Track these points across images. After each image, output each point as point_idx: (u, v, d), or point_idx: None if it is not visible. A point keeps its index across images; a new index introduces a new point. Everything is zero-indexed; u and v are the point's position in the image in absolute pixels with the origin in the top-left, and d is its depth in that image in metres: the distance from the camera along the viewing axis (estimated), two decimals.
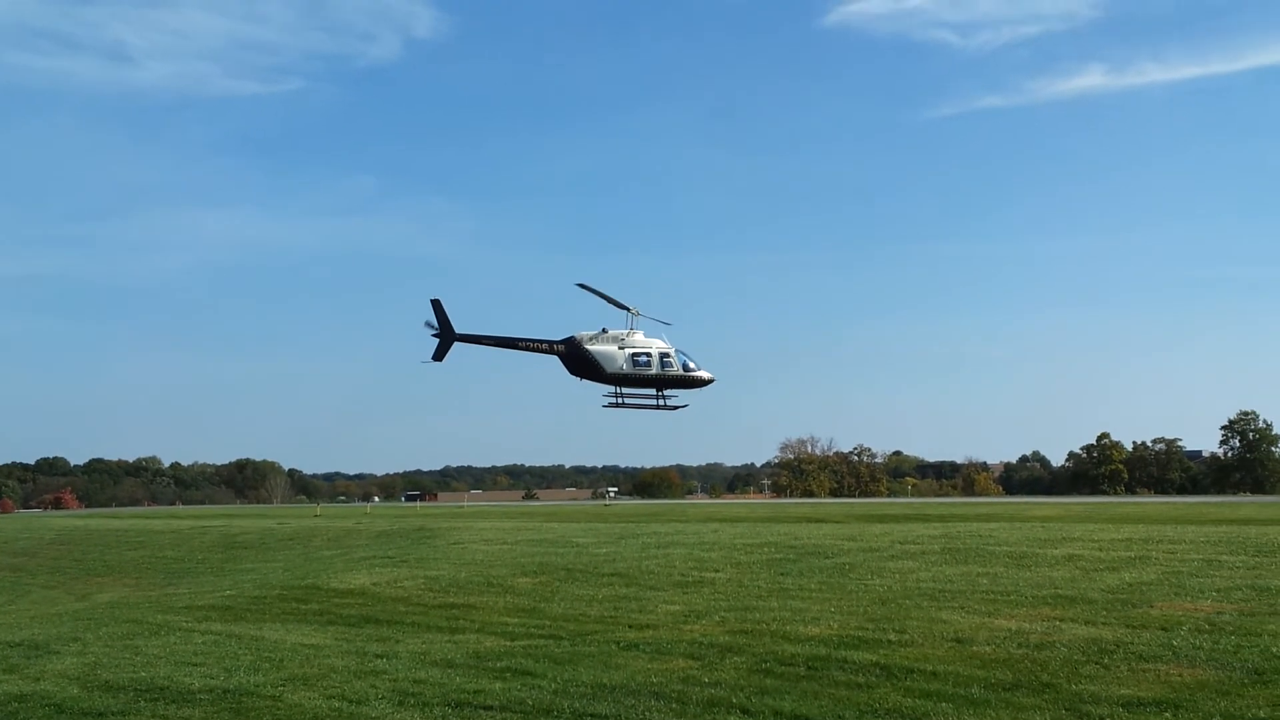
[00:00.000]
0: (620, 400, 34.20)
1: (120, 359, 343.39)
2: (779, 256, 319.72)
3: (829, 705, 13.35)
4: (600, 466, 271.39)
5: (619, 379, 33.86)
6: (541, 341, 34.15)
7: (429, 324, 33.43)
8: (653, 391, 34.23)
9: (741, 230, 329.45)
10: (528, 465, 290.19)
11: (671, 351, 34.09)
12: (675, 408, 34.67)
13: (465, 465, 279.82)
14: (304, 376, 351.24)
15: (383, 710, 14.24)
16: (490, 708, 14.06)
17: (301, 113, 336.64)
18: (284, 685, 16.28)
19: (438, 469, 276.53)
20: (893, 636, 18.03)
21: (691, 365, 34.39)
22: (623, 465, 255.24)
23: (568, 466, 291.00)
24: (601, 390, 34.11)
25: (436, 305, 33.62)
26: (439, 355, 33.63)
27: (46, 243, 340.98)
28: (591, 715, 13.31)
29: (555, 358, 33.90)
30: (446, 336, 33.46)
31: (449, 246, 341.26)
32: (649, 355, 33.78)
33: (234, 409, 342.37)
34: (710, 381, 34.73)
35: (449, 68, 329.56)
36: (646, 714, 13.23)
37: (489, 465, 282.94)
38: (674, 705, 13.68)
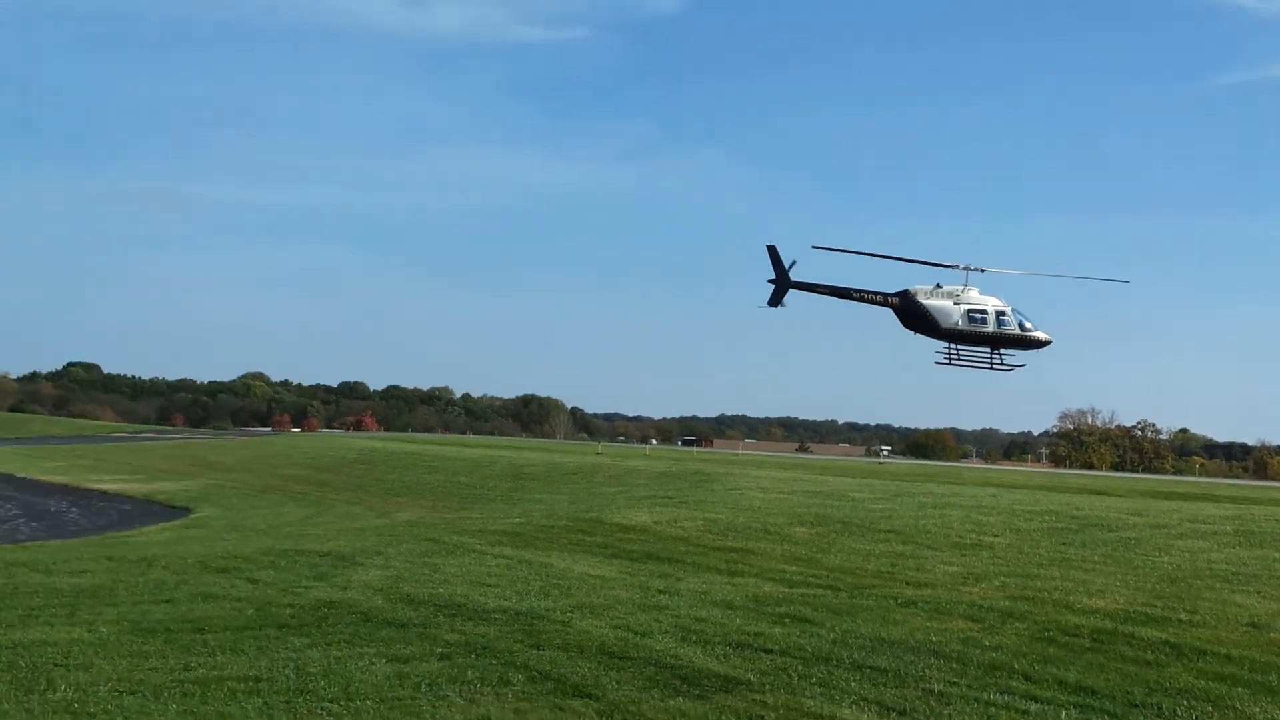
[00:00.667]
0: (954, 357, 33.90)
1: (417, 292, 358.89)
2: (1069, 224, 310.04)
3: (1116, 680, 13.11)
4: (873, 424, 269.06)
5: (953, 335, 33.58)
6: (876, 294, 34.10)
7: (772, 276, 33.64)
8: (987, 350, 33.82)
9: (1032, 190, 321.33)
10: (801, 419, 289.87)
11: (1008, 310, 33.55)
12: (1011, 367, 34.19)
13: (740, 414, 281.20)
14: (587, 316, 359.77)
15: (666, 644, 14.72)
16: (770, 651, 14.38)
17: (584, 59, 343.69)
18: (572, 612, 17.01)
19: (713, 416, 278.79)
20: (1183, 616, 17.48)
21: (1028, 325, 33.84)
22: (896, 425, 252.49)
23: (840, 422, 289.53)
24: (935, 346, 33.95)
25: (772, 251, 33.96)
26: (775, 301, 34.03)
27: (342, 176, 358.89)
28: (871, 668, 13.45)
29: (889, 310, 33.84)
30: (782, 283, 33.79)
31: (723, 195, 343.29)
32: (985, 313, 33.35)
33: (522, 346, 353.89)
34: (1047, 343, 34.11)
35: (729, 18, 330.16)
36: (926, 671, 13.28)
37: (763, 416, 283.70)
38: (954, 665, 13.68)
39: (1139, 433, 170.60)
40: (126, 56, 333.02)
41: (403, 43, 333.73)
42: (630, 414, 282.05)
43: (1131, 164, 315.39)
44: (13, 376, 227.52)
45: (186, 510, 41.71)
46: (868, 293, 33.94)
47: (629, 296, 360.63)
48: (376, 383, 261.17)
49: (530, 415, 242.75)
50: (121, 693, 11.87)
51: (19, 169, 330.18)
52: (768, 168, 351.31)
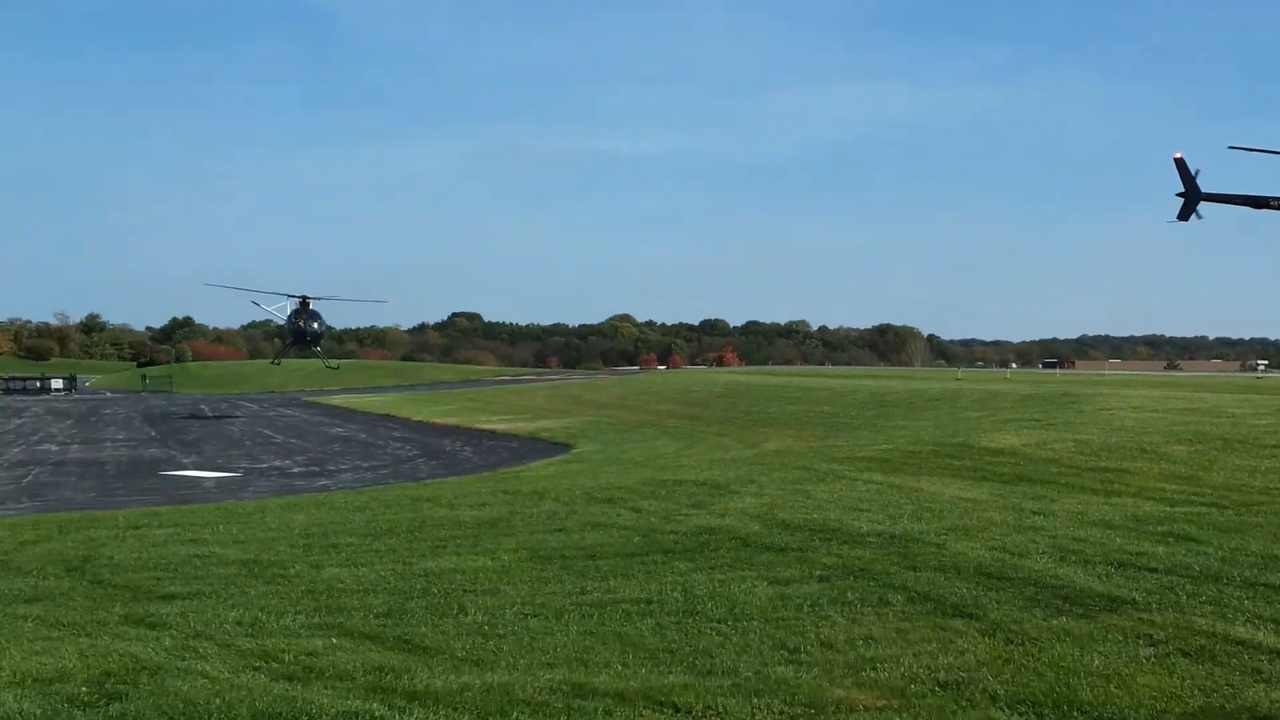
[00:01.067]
0: None
1: (770, 228, 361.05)
2: None
3: None
4: (1247, 339, 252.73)
5: None
6: None
7: (1180, 189, 32.35)
8: None
9: None
10: (1168, 336, 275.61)
11: None
12: None
13: (1102, 334, 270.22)
14: (942, 244, 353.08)
15: (1044, 564, 14.64)
16: (1155, 570, 14.09)
17: None
18: (946, 534, 17.12)
19: (1073, 337, 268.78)
20: None
21: None
22: (1271, 338, 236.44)
23: (1211, 338, 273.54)
24: None
25: (1180, 163, 32.69)
26: (1185, 214, 32.79)
27: (692, 120, 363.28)
28: (1264, 585, 12.99)
29: None
30: (1192, 195, 32.50)
31: (1079, 113, 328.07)
32: None
33: (878, 275, 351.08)
34: None
35: None
36: None
37: (1126, 335, 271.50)
38: None
39: None
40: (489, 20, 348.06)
41: None
42: (987, 339, 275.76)
43: None
44: (403, 328, 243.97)
45: (568, 446, 43.72)
46: None
47: (982, 220, 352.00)
48: (735, 319, 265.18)
49: (886, 344, 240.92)
50: (526, 615, 12.77)
51: (416, 135, 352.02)
52: (1126, 84, 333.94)
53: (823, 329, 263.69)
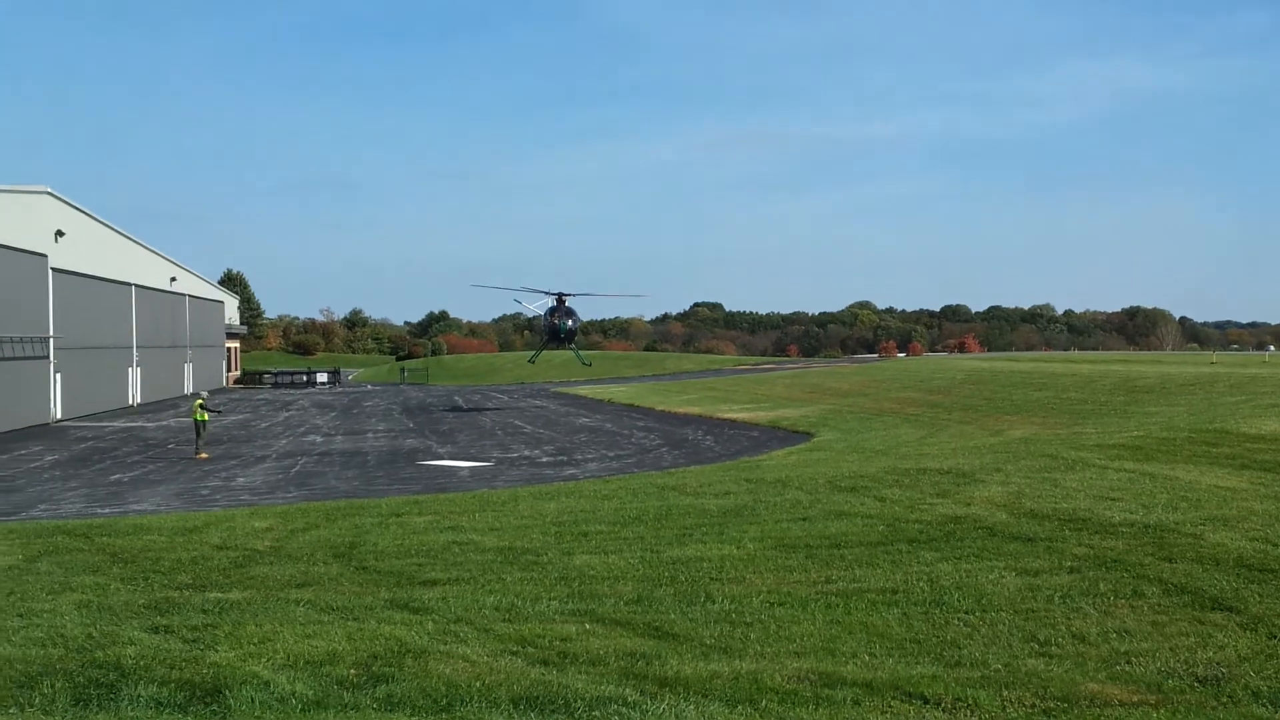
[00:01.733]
0: None
1: (1012, 210, 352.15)
2: None
3: None
4: None
5: None
6: None
7: None
8: None
9: None
10: None
11: None
12: None
13: None
14: (1192, 222, 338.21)
15: None
16: None
17: None
18: (1204, 524, 16.58)
19: None
20: None
21: None
22: None
23: None
24: None
25: None
26: None
27: (929, 102, 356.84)
28: None
29: None
30: None
31: None
32: None
33: (1126, 256, 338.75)
34: None
35: None
36: None
37: None
38: None
39: None
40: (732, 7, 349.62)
41: None
42: (1243, 321, 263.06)
43: None
44: (646, 319, 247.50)
45: (808, 434, 43.66)
46: None
47: (1235, 197, 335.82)
48: (977, 304, 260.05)
49: (1135, 328, 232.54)
50: (772, 604, 12.97)
51: (658, 125, 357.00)
52: None
53: (1068, 313, 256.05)
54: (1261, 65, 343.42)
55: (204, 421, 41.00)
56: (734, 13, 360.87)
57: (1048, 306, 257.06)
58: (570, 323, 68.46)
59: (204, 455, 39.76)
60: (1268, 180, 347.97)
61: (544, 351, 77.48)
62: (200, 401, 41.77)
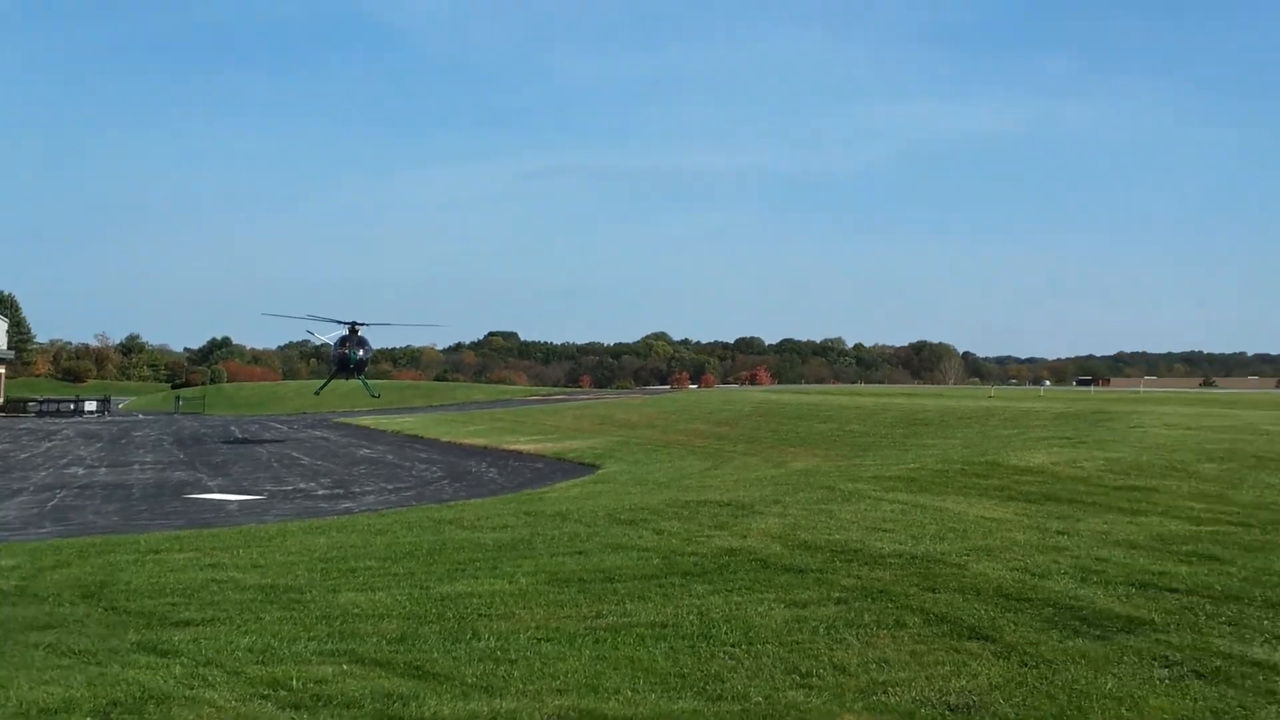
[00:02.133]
0: None
1: (811, 246, 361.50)
2: None
3: None
4: None
5: None
6: None
7: None
8: None
9: None
10: (1206, 353, 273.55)
11: None
12: None
13: (1139, 351, 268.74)
14: (978, 261, 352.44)
15: (1064, 585, 14.47)
16: (1175, 590, 13.89)
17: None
18: (969, 555, 16.94)
19: (1110, 354, 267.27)
20: None
21: None
22: None
23: (1250, 354, 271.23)
24: None
25: None
26: None
27: (730, 139, 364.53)
28: None
29: None
30: None
31: (1146, 128, 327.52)
32: None
33: (913, 293, 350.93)
34: None
35: None
36: None
37: (1164, 351, 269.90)
38: None
39: None
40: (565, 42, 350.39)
41: (810, 4, 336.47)
42: (1023, 356, 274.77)
43: None
44: (439, 348, 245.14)
45: (594, 466, 43.63)
46: None
47: (1020, 237, 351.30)
48: (771, 337, 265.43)
49: (921, 362, 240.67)
50: (539, 639, 12.70)
51: (456, 157, 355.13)
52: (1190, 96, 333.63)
53: (858, 346, 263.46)
54: (1056, 109, 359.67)
55: None
56: (550, 45, 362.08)
57: (839, 340, 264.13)
58: (361, 353, 66.80)
59: None
60: (1054, 221, 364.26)
61: (332, 381, 75.78)
62: None
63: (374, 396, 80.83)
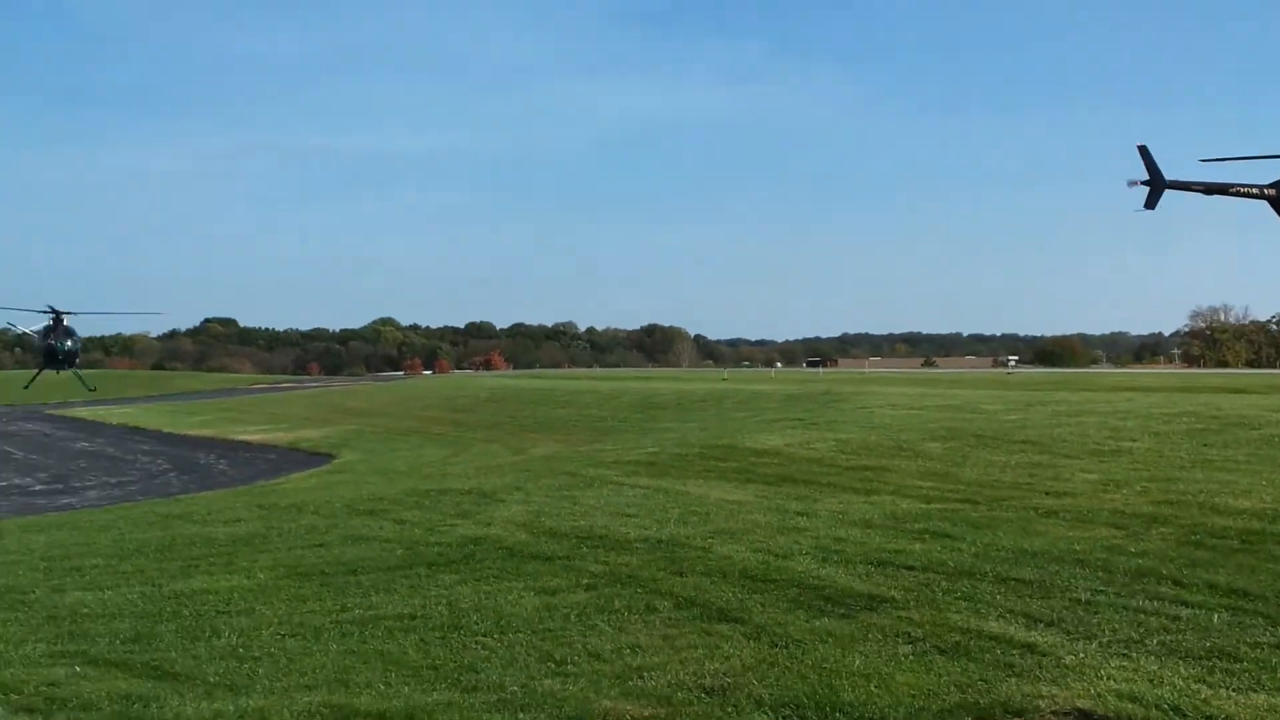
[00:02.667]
0: None
1: (535, 229, 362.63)
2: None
3: (1268, 580, 12.90)
4: (999, 335, 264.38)
5: None
6: (1253, 186, 33.76)
7: (1142, 180, 33.64)
8: None
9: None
10: (924, 333, 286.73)
11: None
12: None
13: (862, 333, 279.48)
14: (707, 244, 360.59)
15: (807, 565, 14.81)
16: (912, 568, 14.39)
17: None
18: (712, 538, 17.18)
19: (835, 336, 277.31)
20: None
21: None
22: (1022, 334, 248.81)
23: (965, 334, 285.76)
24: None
25: (1144, 151, 33.80)
26: (1151, 203, 33.89)
27: (454, 118, 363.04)
28: (1015, 579, 13.39)
29: (1264, 202, 33.53)
30: (1157, 184, 33.64)
31: (835, 113, 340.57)
32: None
33: (643, 276, 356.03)
34: None
35: None
36: (1071, 580, 13.20)
37: (885, 333, 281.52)
38: (1099, 574, 13.55)
39: (1275, 326, 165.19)
40: (237, 11, 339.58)
41: None
42: (753, 339, 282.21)
43: None
44: (153, 335, 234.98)
45: (330, 456, 42.74)
46: (1245, 186, 33.57)
47: (743, 220, 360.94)
48: (502, 321, 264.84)
49: (654, 345, 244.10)
50: (283, 635, 12.35)
51: (141, 132, 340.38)
52: (874, 80, 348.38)
53: (590, 330, 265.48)
54: (759, 91, 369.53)
55: None
56: (231, 17, 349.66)
57: (571, 324, 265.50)
58: (70, 343, 61.41)
59: None
60: (761, 206, 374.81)
61: (43, 374, 70.59)
62: None
63: (90, 390, 76.63)
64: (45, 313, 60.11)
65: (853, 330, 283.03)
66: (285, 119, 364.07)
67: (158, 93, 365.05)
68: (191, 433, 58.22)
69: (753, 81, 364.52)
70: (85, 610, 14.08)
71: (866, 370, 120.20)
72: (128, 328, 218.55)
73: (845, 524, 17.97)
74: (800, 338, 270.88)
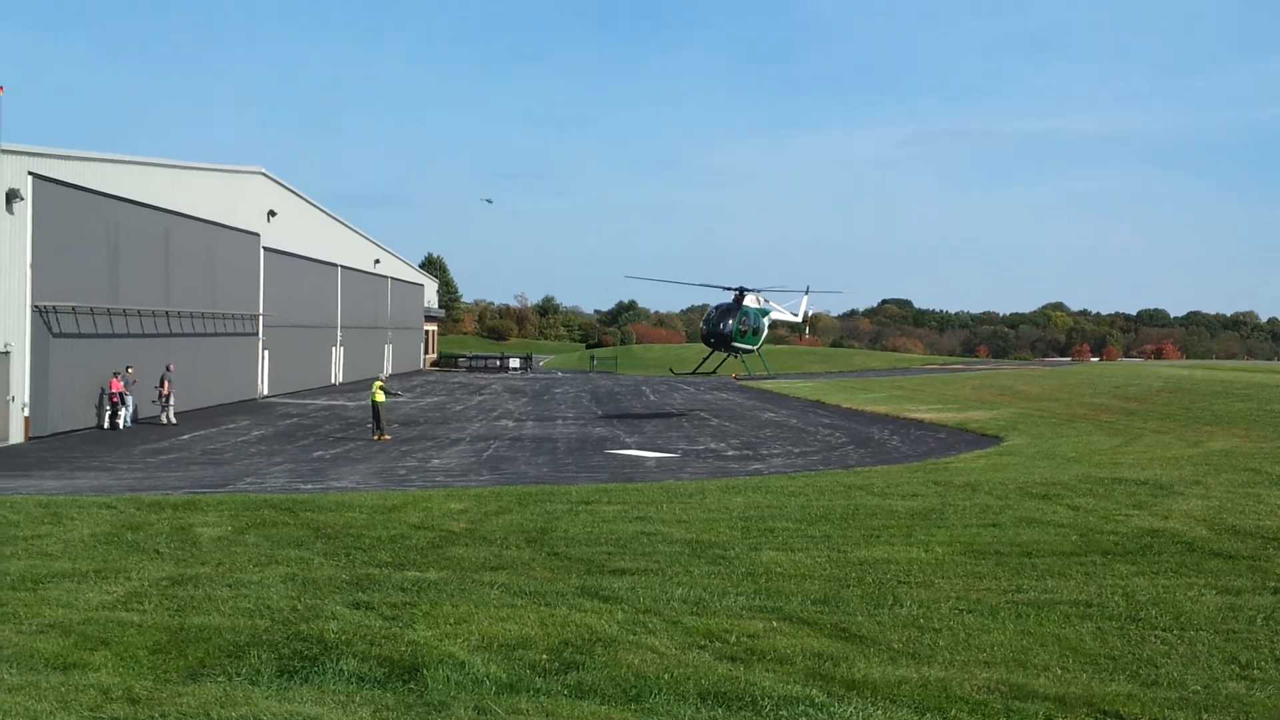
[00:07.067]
0: None
1: (1213, 212, 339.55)
2: None
3: None
4: None
5: None
6: None
7: None
8: None
9: None
10: None
11: None
12: None
13: None
14: None
15: None
16: None
17: None
18: None
19: None
20: None
21: None
22: None
23: None
24: None
25: None
26: None
27: (1130, 98, 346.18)
28: None
29: None
30: None
31: None
32: None
33: None
34: None
35: None
36: None
37: None
38: None
39: None
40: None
41: None
42: None
43: None
44: (833, 314, 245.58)
45: (998, 438, 42.77)
46: None
47: None
48: (1176, 309, 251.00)
49: None
50: (960, 610, 12.84)
51: (847, 121, 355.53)
52: None
53: (1273, 320, 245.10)
54: None
55: (382, 403, 41.30)
56: (922, 6, 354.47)
57: (1251, 314, 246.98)
58: (728, 324, 54.11)
59: (385, 437, 40.63)
60: None
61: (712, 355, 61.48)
62: (379, 384, 42.32)
63: (767, 374, 72.08)
64: (729, 289, 55.44)
65: None
66: (970, 103, 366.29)
67: (857, 81, 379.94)
68: (866, 408, 60.15)
69: None
70: (778, 569, 15.28)
71: None
72: (814, 305, 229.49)
73: None
74: None
